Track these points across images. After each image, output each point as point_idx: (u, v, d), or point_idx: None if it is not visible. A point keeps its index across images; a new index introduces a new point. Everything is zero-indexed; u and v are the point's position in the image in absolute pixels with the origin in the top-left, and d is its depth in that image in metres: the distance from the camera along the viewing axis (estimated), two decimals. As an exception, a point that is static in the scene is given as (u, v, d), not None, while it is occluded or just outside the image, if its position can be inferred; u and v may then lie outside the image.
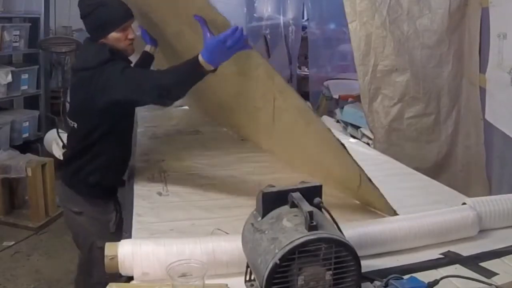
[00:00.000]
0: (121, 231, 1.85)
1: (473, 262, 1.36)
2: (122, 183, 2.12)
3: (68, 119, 2.02)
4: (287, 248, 1.03)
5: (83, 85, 1.90)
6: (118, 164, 2.06)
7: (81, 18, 1.95)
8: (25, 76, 4.50)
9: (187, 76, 1.71)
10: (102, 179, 1.99)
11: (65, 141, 3.96)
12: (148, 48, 2.40)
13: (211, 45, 1.59)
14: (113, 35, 1.91)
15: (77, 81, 1.96)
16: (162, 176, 2.16)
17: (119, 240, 1.85)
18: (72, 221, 2.06)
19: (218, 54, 1.60)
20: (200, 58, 1.62)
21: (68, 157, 2.06)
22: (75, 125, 1.98)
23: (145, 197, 1.91)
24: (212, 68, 1.65)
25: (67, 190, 2.04)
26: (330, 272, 1.05)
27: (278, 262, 1.02)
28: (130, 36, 1.95)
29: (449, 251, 1.44)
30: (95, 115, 1.88)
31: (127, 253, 1.30)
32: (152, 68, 2.43)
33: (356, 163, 1.59)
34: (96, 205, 2.00)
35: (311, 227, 1.05)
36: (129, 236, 1.57)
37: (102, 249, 1.90)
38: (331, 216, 1.17)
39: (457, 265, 1.34)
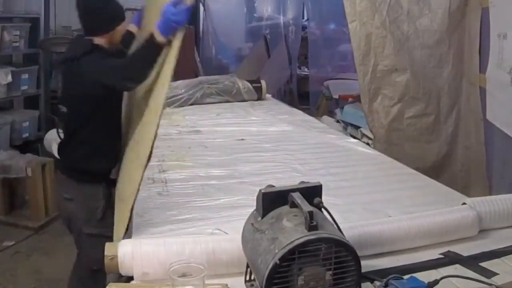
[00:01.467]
0: (107, 218, 1.97)
1: (473, 262, 1.36)
2: (109, 171, 2.18)
3: (59, 105, 2.16)
4: (287, 248, 1.03)
5: (68, 72, 2.07)
6: (106, 149, 2.12)
7: (87, 13, 2.05)
8: (25, 76, 4.49)
9: (144, 54, 1.85)
10: (91, 164, 2.08)
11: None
12: (132, 27, 2.44)
13: (163, 12, 1.73)
14: (119, 27, 2.06)
15: (64, 69, 2.13)
16: (162, 176, 2.16)
17: (105, 227, 1.92)
18: (63, 207, 2.18)
19: (168, 26, 1.74)
20: (155, 29, 1.75)
21: (61, 142, 2.20)
22: (64, 109, 2.11)
23: (145, 197, 1.91)
24: (163, 39, 1.75)
25: (60, 176, 2.16)
26: (330, 272, 1.05)
27: (278, 262, 1.02)
28: (123, 30, 2.13)
29: (449, 251, 1.44)
30: (80, 98, 2.01)
31: (127, 253, 1.31)
32: None
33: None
34: (85, 191, 2.08)
35: (311, 227, 1.05)
36: (129, 236, 1.57)
37: (89, 234, 1.98)
38: (331, 216, 1.17)
39: (457, 265, 1.35)
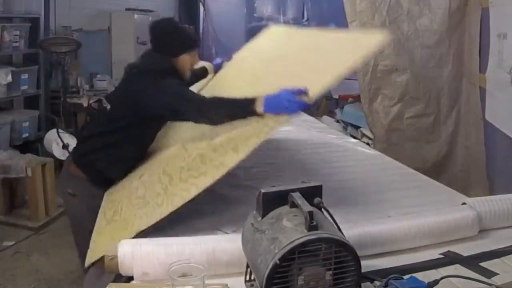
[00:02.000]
0: None
1: (473, 262, 1.36)
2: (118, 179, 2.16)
3: (104, 99, 2.15)
4: (287, 248, 1.03)
5: (136, 81, 2.04)
6: (127, 162, 2.12)
7: (159, 35, 2.12)
8: (25, 76, 4.49)
9: (234, 107, 1.80)
10: (107, 169, 2.07)
11: (65, 141, 4.01)
12: (208, 65, 2.65)
13: (277, 96, 1.67)
14: (185, 56, 2.10)
15: (131, 76, 2.10)
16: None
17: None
18: (67, 203, 2.19)
19: (276, 106, 1.67)
20: (261, 99, 1.70)
21: (87, 134, 2.18)
22: (108, 107, 2.11)
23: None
24: (262, 112, 1.70)
25: (72, 169, 2.12)
26: (330, 272, 1.05)
27: (278, 262, 1.02)
28: (195, 63, 2.19)
29: (449, 251, 1.44)
30: (131, 110, 2.00)
31: (127, 253, 1.30)
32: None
33: None
34: (90, 190, 2.07)
35: (311, 227, 1.05)
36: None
37: (89, 232, 1.97)
38: (331, 216, 1.17)
39: (457, 265, 1.34)
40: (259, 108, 1.70)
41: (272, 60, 2.40)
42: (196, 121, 1.94)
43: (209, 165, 1.69)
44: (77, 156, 2.14)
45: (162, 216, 1.53)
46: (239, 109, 1.77)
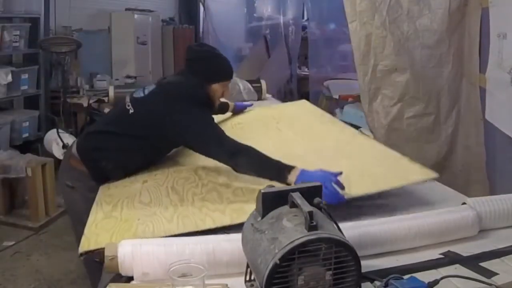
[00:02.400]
0: None
1: (473, 262, 1.35)
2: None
3: (128, 101, 2.08)
4: (287, 248, 1.03)
5: (166, 100, 2.00)
6: (131, 168, 2.10)
7: (198, 60, 2.12)
8: (25, 76, 4.50)
9: (266, 168, 1.75)
10: (111, 171, 2.06)
11: (65, 141, 4.01)
12: (230, 103, 2.77)
13: (315, 177, 1.60)
14: (217, 85, 2.10)
15: (162, 92, 2.07)
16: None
17: None
18: (66, 195, 2.17)
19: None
20: (297, 171, 1.67)
21: (100, 130, 2.13)
22: (131, 111, 2.04)
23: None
24: (292, 183, 1.66)
25: (67, 162, 2.11)
26: (330, 272, 1.05)
27: (278, 262, 1.02)
28: (226, 94, 2.18)
29: (449, 251, 1.44)
30: (154, 126, 1.97)
31: (127, 253, 1.30)
32: None
33: None
34: (89, 183, 2.05)
35: (311, 227, 1.05)
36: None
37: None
38: (331, 216, 1.17)
39: (457, 265, 1.34)
40: (292, 178, 1.66)
41: (307, 134, 2.39)
42: (219, 160, 1.90)
43: (227, 205, 1.71)
44: (83, 149, 2.10)
45: (171, 233, 1.52)
46: (273, 171, 1.72)
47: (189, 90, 2.03)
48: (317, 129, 2.44)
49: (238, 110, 2.93)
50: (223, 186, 1.84)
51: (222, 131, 1.95)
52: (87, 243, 1.52)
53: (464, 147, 3.27)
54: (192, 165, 2.10)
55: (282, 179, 1.69)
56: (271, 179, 1.70)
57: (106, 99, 4.48)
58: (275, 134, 2.45)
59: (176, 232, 1.52)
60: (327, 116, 2.68)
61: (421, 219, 1.51)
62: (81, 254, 1.49)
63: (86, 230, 1.61)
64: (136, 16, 5.96)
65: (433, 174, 1.77)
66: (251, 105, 2.98)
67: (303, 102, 3.11)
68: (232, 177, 1.89)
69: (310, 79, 6.45)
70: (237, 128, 2.64)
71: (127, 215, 1.70)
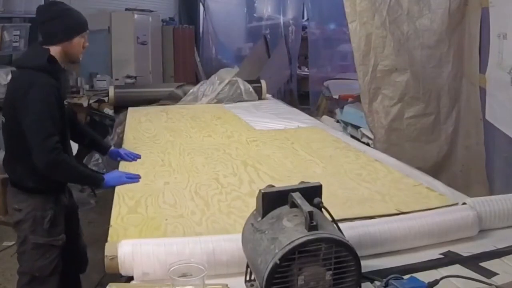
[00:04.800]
0: (57, 226, 2.03)
1: (473, 262, 1.36)
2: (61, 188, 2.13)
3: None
4: (287, 248, 1.02)
5: (15, 82, 2.01)
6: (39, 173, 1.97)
7: (44, 21, 2.07)
8: (25, 76, 4.49)
9: (80, 176, 2.05)
10: (34, 180, 1.99)
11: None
12: (111, 145, 2.57)
13: (120, 176, 2.05)
14: (77, 39, 2.07)
15: (15, 77, 2.04)
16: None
17: (52, 236, 1.96)
18: (13, 216, 2.10)
19: (117, 180, 2.01)
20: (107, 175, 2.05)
21: (4, 157, 2.09)
22: (3, 120, 2.02)
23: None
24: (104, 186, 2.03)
25: (11, 188, 2.08)
26: (330, 272, 1.05)
27: (278, 262, 1.02)
28: (86, 44, 2.14)
29: (449, 251, 1.44)
30: (16, 114, 1.92)
31: (127, 253, 1.31)
32: None
33: None
34: (35, 201, 2.01)
35: (311, 227, 1.05)
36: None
37: (35, 244, 1.95)
38: (331, 216, 1.17)
39: (457, 265, 1.34)
40: (101, 182, 2.02)
41: (323, 158, 2.40)
42: (38, 166, 1.88)
43: None
44: (10, 179, 2.08)
45: (201, 236, 1.49)
46: (86, 178, 2.08)
47: (32, 56, 2.06)
48: (332, 153, 2.47)
49: (114, 155, 2.43)
50: (247, 195, 1.87)
51: (53, 128, 1.90)
52: (116, 234, 1.52)
53: (464, 147, 3.28)
54: (211, 173, 2.14)
55: (93, 183, 2.04)
56: (84, 184, 1.93)
57: (106, 99, 4.48)
58: (291, 153, 2.48)
59: (207, 235, 1.50)
60: (342, 142, 2.70)
61: (421, 219, 1.51)
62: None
63: (112, 221, 1.62)
64: (136, 16, 5.95)
65: (450, 201, 1.77)
66: (139, 156, 2.39)
67: (316, 127, 3.08)
68: (254, 187, 1.93)
69: (310, 79, 6.46)
70: (253, 144, 2.66)
71: (153, 214, 1.70)
